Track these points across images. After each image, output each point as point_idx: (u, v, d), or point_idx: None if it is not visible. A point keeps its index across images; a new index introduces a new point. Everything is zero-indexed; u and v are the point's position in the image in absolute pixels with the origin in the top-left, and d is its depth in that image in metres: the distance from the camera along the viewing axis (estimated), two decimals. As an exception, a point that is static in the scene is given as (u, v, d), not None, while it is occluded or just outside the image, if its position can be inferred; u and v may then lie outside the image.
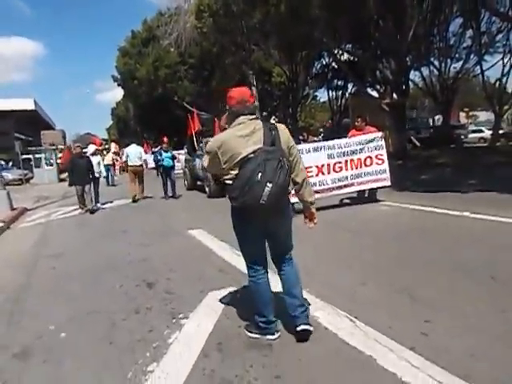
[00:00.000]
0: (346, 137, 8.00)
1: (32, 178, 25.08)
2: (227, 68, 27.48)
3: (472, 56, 21.71)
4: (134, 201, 11.45)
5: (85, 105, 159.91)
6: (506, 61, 21.26)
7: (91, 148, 13.08)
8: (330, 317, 2.94)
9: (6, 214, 9.64)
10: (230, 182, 2.51)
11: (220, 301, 3.45)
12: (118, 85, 38.38)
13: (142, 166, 11.85)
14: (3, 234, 7.94)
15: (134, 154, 11.72)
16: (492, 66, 22.56)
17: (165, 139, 12.24)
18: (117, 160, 22.65)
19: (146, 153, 17.51)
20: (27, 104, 33.40)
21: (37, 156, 25.71)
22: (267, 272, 2.78)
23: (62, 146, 32.28)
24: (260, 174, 2.36)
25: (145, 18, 34.03)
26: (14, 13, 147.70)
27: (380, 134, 7.69)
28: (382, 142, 7.59)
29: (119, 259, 5.26)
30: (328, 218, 6.09)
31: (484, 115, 44.40)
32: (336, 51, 21.16)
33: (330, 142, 7.50)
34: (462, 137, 27.17)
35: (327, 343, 2.60)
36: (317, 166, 7.16)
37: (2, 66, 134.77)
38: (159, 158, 11.86)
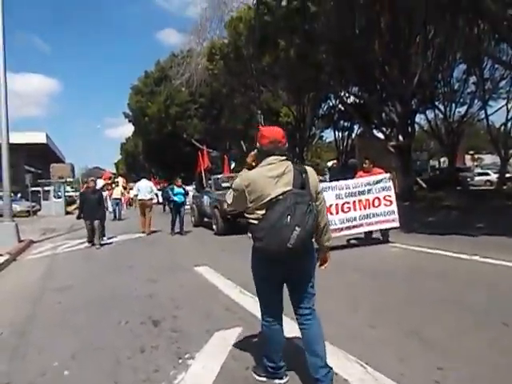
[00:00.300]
0: (352, 177, 8.09)
1: (39, 210, 25.27)
2: (236, 107, 28.24)
3: (476, 101, 22.15)
4: (144, 232, 11.88)
5: (95, 139, 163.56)
6: (510, 106, 21.67)
7: (100, 183, 13.31)
8: (339, 361, 2.87)
9: (13, 246, 9.66)
10: (256, 221, 2.42)
11: (227, 341, 3.39)
12: (129, 121, 39.45)
13: (151, 199, 12.32)
14: (9, 266, 7.93)
15: (145, 188, 12.16)
16: (496, 111, 23.03)
17: (179, 182, 12.17)
18: (124, 195, 22.84)
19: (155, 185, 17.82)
20: (39, 138, 34.34)
21: (46, 188, 26.03)
22: (282, 319, 2.67)
23: (72, 179, 32.73)
24: (289, 217, 2.28)
25: (158, 59, 35.61)
26: (35, 51, 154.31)
27: (388, 175, 7.77)
28: (390, 184, 7.65)
29: (125, 294, 5.22)
30: (336, 259, 6.01)
31: (489, 158, 44.75)
32: (342, 94, 21.77)
33: (339, 183, 7.58)
34: (468, 179, 27.29)
35: (337, 389, 2.53)
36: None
37: (19, 102, 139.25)
38: (170, 193, 11.95)
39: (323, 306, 4.06)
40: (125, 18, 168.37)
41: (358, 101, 23.47)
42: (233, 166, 23.73)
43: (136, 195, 12.57)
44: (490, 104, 22.53)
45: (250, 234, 2.52)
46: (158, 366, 3.03)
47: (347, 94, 22.30)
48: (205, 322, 3.95)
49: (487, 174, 30.30)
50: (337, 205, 7.32)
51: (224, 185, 12.59)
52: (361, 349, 3.08)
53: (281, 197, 2.36)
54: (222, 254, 8.13)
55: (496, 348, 3.00)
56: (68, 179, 31.63)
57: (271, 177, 2.42)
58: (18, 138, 26.60)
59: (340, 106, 26.49)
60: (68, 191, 34.61)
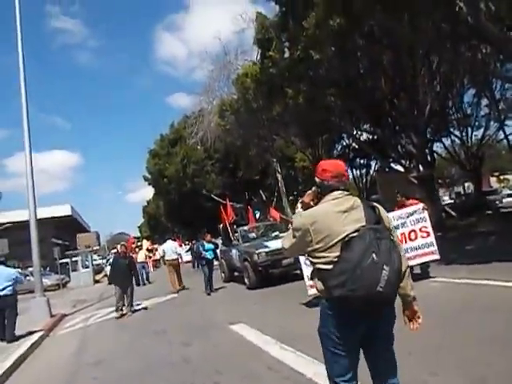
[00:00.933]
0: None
1: (68, 281, 25.40)
2: (251, 158, 28.64)
3: (492, 122, 21.91)
4: (174, 292, 11.99)
5: (117, 205, 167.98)
6: (528, 124, 21.34)
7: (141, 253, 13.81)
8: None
9: (45, 322, 9.58)
10: (329, 266, 2.01)
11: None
12: (149, 184, 40.36)
13: (177, 259, 12.76)
14: (43, 343, 7.81)
15: (170, 248, 12.72)
16: (515, 130, 22.64)
17: (208, 236, 12.07)
18: (150, 257, 22.84)
19: (180, 246, 17.98)
20: (64, 210, 35.49)
21: (73, 259, 26.34)
22: None
23: (98, 247, 33.17)
24: (374, 254, 1.90)
25: (172, 122, 36.91)
26: (56, 129, 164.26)
27: (421, 205, 7.43)
28: (425, 214, 7.31)
29: (161, 362, 4.99)
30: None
31: (515, 178, 43.53)
32: (355, 132, 21.87)
33: (368, 219, 7.33)
34: (497, 202, 26.37)
35: None
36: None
37: (45, 178, 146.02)
38: (201, 249, 11.56)
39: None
40: (135, 88, 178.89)
41: (371, 137, 23.54)
42: (258, 215, 23.62)
43: (162, 256, 13.19)
44: (507, 124, 22.21)
45: (318, 286, 2.12)
46: None
47: (359, 132, 22.41)
48: (249, 385, 3.69)
49: (517, 195, 29.25)
50: (369, 243, 7.04)
51: (251, 236, 12.40)
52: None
53: (355, 234, 2.00)
54: (256, 308, 7.82)
55: None
56: (94, 248, 32.04)
57: (339, 211, 2.09)
58: (44, 212, 27.52)
59: (354, 144, 26.62)
60: (95, 259, 35.00)
